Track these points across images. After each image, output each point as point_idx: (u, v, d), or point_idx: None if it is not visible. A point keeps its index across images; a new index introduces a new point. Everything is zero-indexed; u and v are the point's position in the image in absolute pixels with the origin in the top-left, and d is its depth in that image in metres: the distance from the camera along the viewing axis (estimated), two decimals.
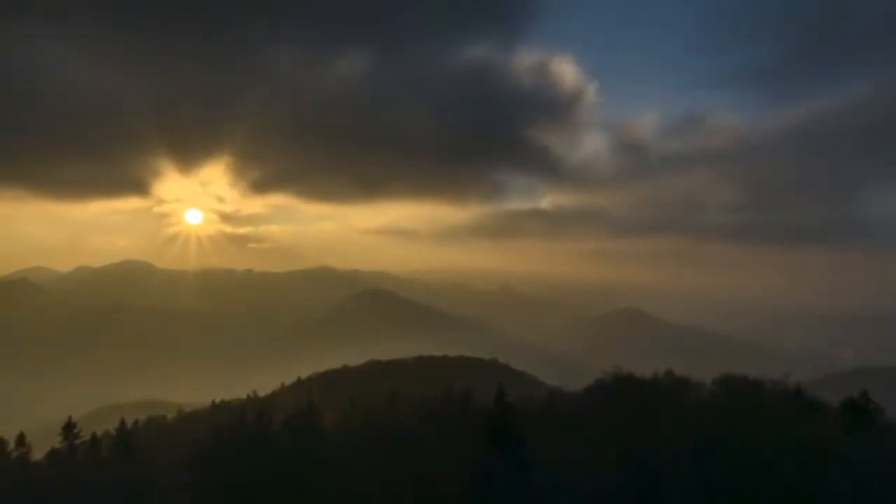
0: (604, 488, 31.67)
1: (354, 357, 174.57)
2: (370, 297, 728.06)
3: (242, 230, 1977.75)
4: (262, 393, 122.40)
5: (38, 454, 59.82)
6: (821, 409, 51.63)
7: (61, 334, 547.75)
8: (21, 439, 59.05)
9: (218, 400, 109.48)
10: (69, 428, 58.77)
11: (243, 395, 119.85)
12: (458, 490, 33.66)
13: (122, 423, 64.70)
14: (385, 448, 41.09)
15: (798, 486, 29.37)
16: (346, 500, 33.75)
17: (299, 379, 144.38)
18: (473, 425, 42.92)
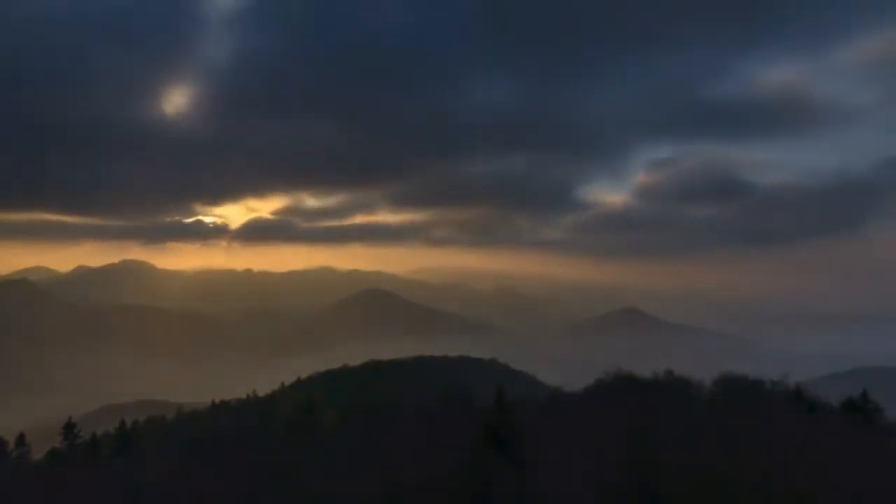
0: (604, 488, 31.68)
1: (354, 357, 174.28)
2: (370, 297, 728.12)
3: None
4: (262, 393, 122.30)
5: (38, 454, 59.81)
6: (821, 409, 51.64)
7: (61, 334, 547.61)
8: (21, 439, 59.06)
9: (218, 400, 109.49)
10: (69, 428, 58.82)
11: (243, 395, 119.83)
12: (457, 490, 33.64)
13: (122, 423, 64.82)
14: (385, 448, 41.10)
15: (798, 487, 29.36)
16: (345, 500, 33.75)
17: (299, 379, 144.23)
18: (473, 425, 42.89)
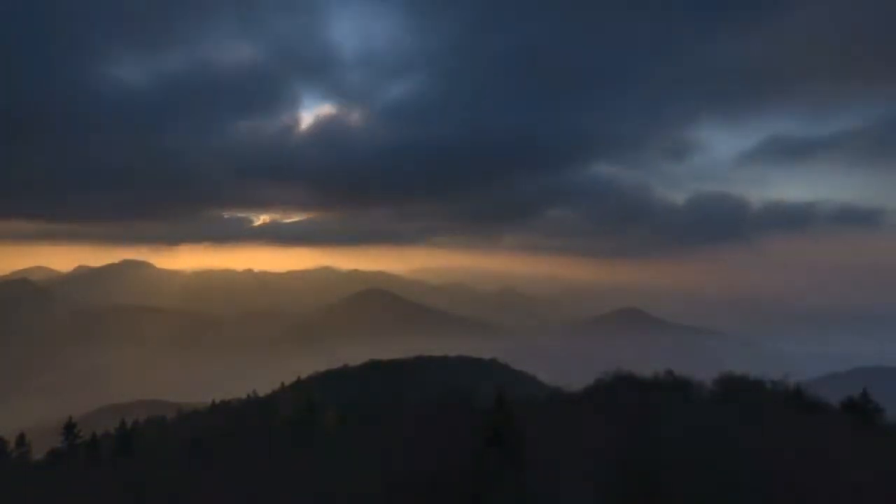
0: (604, 488, 31.67)
1: (354, 357, 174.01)
2: (370, 297, 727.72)
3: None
4: (262, 393, 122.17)
5: (38, 454, 59.85)
6: (821, 409, 51.61)
7: (61, 334, 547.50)
8: (21, 439, 59.10)
9: (218, 400, 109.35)
10: (69, 428, 58.82)
11: (243, 395, 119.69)
12: (457, 490, 33.64)
13: (123, 423, 64.80)
14: (385, 448, 41.09)
15: (798, 487, 29.35)
16: (345, 500, 33.75)
17: (299, 379, 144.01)
18: (473, 425, 42.87)
